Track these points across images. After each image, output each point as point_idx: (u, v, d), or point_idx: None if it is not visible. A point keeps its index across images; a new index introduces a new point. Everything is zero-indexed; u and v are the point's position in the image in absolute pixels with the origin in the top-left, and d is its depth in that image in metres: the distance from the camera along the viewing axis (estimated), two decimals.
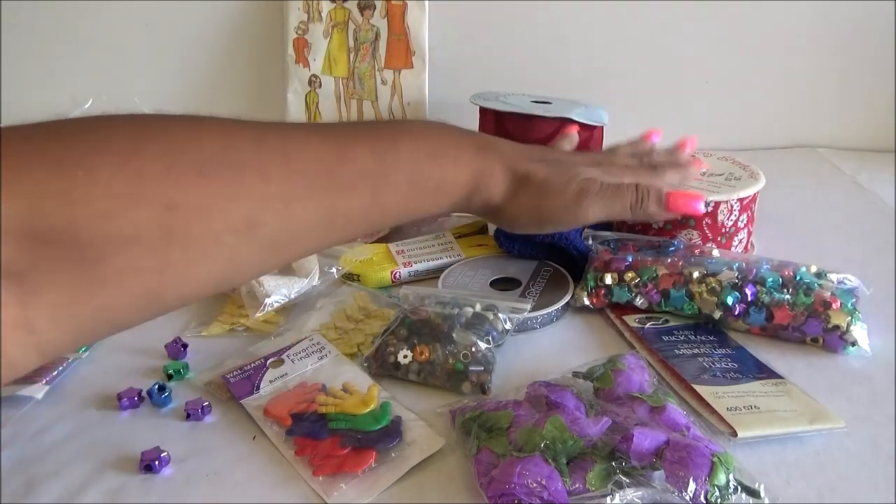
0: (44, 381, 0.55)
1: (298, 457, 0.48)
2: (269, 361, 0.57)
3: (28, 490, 0.46)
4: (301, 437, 0.49)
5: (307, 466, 0.47)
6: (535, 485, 0.41)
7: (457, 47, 1.08)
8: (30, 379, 0.55)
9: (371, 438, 0.49)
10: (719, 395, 0.52)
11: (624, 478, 0.42)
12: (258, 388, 0.55)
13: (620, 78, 1.09)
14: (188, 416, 0.52)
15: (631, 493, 0.42)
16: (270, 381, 0.55)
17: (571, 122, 0.84)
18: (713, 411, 0.51)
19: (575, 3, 1.06)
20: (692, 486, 0.42)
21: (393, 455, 0.48)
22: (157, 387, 0.54)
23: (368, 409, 0.51)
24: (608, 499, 0.42)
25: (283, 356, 0.58)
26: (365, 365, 0.57)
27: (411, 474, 0.47)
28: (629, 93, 1.09)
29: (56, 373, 0.56)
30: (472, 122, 0.94)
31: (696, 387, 0.53)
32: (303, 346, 0.59)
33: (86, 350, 0.60)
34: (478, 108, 0.91)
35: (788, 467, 0.47)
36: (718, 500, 0.42)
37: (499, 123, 0.86)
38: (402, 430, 0.50)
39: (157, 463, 0.47)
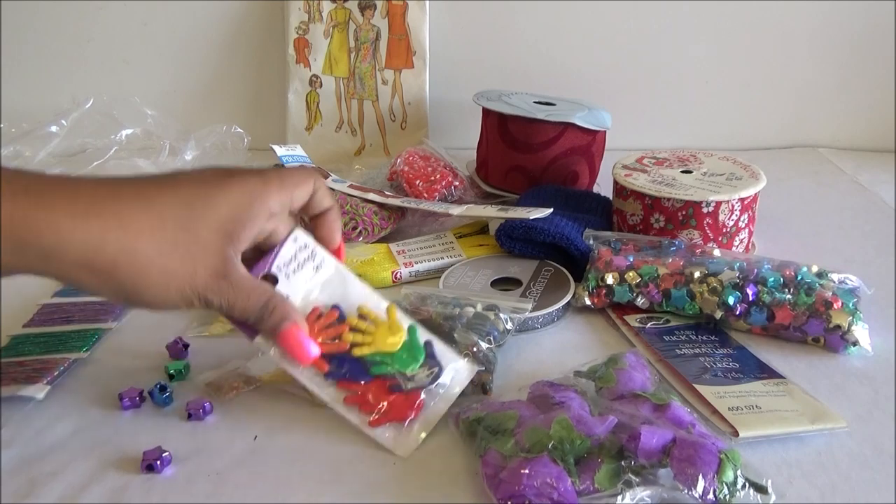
0: (45, 382, 0.55)
1: (349, 405, 0.48)
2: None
3: (30, 490, 0.46)
4: (343, 381, 0.49)
5: (359, 414, 0.48)
6: (544, 486, 0.41)
7: (457, 47, 1.08)
8: (31, 379, 0.55)
9: (412, 381, 0.49)
10: (721, 395, 0.52)
11: (633, 477, 0.42)
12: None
13: (620, 77, 1.09)
14: (189, 416, 0.52)
15: (640, 492, 0.42)
16: None
17: (574, 126, 0.84)
18: (714, 411, 0.51)
19: (576, 3, 1.06)
20: (701, 483, 0.42)
21: (435, 387, 0.49)
22: (158, 387, 0.54)
23: (401, 343, 0.50)
24: (618, 498, 0.42)
25: (274, 270, 0.50)
26: None
27: (417, 473, 0.47)
28: (629, 92, 1.09)
29: (57, 373, 0.56)
30: (475, 121, 0.94)
31: (697, 386, 0.53)
32: (288, 253, 0.50)
33: (87, 349, 0.60)
34: (480, 107, 0.91)
35: (790, 467, 0.47)
36: (727, 497, 0.42)
37: (502, 125, 0.86)
38: (439, 361, 0.49)
39: (158, 463, 0.47)
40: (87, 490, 0.46)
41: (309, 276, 0.50)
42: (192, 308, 0.46)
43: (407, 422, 0.48)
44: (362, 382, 0.48)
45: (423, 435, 0.48)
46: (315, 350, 0.49)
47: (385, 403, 0.49)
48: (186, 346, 0.60)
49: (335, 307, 0.50)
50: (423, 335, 0.49)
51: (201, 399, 0.53)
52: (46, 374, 0.56)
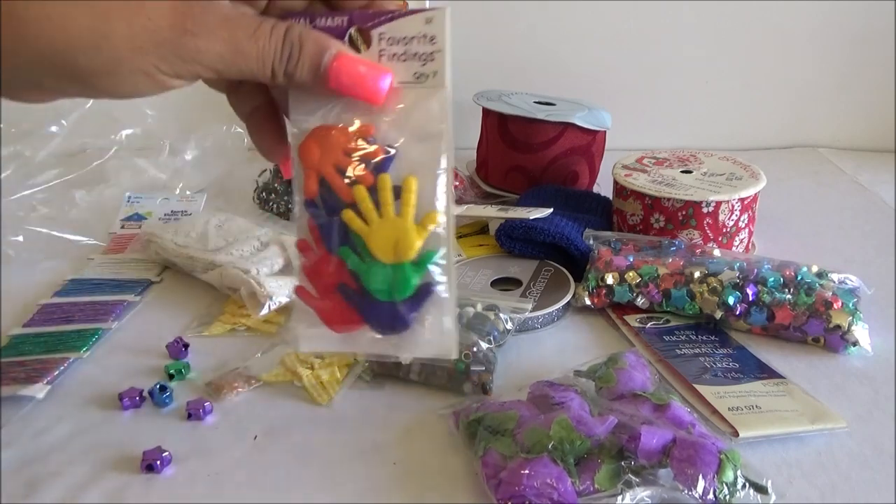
0: (45, 381, 0.55)
1: (298, 250, 0.36)
2: (352, 29, 0.35)
3: (29, 490, 0.46)
4: (312, 223, 0.35)
5: (300, 269, 0.36)
6: (544, 486, 0.41)
7: (457, 47, 1.08)
8: (31, 379, 0.55)
9: (368, 307, 0.35)
10: (721, 395, 0.52)
11: (633, 477, 0.42)
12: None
13: (620, 77, 1.09)
14: (189, 416, 0.52)
15: (641, 492, 0.42)
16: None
17: (574, 126, 0.84)
18: (714, 411, 0.51)
19: (575, 4, 1.06)
20: (701, 483, 0.42)
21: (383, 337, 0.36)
22: (158, 387, 0.54)
23: (395, 262, 0.35)
24: (619, 498, 0.42)
25: (374, 35, 0.34)
26: (366, 365, 0.57)
27: (417, 473, 0.47)
28: (629, 92, 1.09)
29: (57, 373, 0.56)
30: (475, 122, 0.94)
31: (697, 387, 0.53)
32: (407, 30, 0.34)
33: (87, 349, 0.60)
34: (480, 107, 0.91)
35: (790, 467, 0.47)
36: (727, 497, 0.42)
37: (502, 125, 0.86)
38: (418, 314, 0.35)
39: (158, 463, 0.47)
40: (87, 490, 0.46)
41: (404, 76, 0.35)
42: (180, 78, 0.31)
43: (327, 329, 0.36)
44: (325, 248, 0.36)
45: (328, 360, 0.36)
46: (387, 78, 0.34)
47: (323, 299, 0.36)
48: (186, 346, 0.60)
49: (389, 148, 0.35)
50: (432, 275, 0.35)
51: (201, 399, 0.53)
52: (46, 373, 0.56)
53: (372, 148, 0.34)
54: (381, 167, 0.34)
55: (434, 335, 0.35)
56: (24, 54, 0.29)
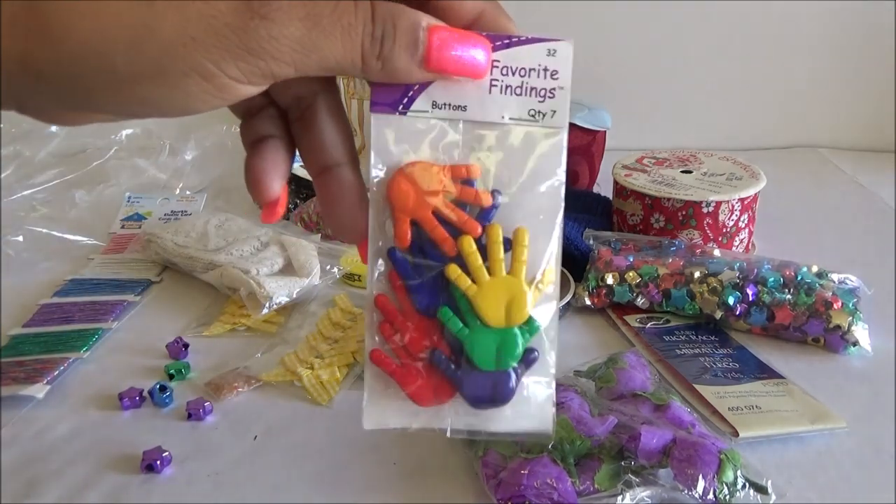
0: (45, 382, 0.55)
1: (376, 307, 0.31)
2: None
3: (29, 490, 0.46)
4: (396, 276, 0.31)
5: (378, 332, 0.31)
6: (544, 486, 0.41)
7: None
8: (31, 379, 0.55)
9: (466, 378, 0.31)
10: (721, 395, 0.52)
11: (633, 477, 0.42)
12: (408, 103, 0.30)
13: (621, 77, 1.09)
14: (189, 416, 0.52)
15: (640, 492, 0.42)
16: (432, 107, 0.30)
17: (574, 126, 0.84)
18: (714, 411, 0.51)
19: (575, 4, 1.06)
20: (701, 483, 0.42)
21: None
22: (158, 387, 0.54)
23: (502, 325, 0.31)
24: (619, 498, 0.42)
25: (493, 55, 0.30)
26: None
27: (417, 473, 0.47)
28: (629, 92, 1.09)
29: (57, 373, 0.56)
30: None
31: (697, 387, 0.53)
32: (529, 59, 0.31)
33: (87, 349, 0.60)
34: None
35: (790, 467, 0.47)
36: (727, 497, 0.42)
37: None
38: (518, 386, 0.31)
39: (158, 463, 0.47)
40: (87, 490, 0.46)
41: (517, 112, 0.31)
42: (248, 79, 0.25)
43: (411, 402, 0.31)
44: (411, 307, 0.31)
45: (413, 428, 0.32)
46: (486, 47, 0.30)
47: (412, 365, 0.31)
48: (186, 346, 0.60)
49: (495, 192, 0.31)
50: (539, 340, 0.32)
51: (201, 399, 0.53)
52: (46, 373, 0.56)
53: (479, 192, 0.30)
54: (485, 216, 0.30)
55: (533, 406, 0.32)
56: (50, 61, 0.24)
